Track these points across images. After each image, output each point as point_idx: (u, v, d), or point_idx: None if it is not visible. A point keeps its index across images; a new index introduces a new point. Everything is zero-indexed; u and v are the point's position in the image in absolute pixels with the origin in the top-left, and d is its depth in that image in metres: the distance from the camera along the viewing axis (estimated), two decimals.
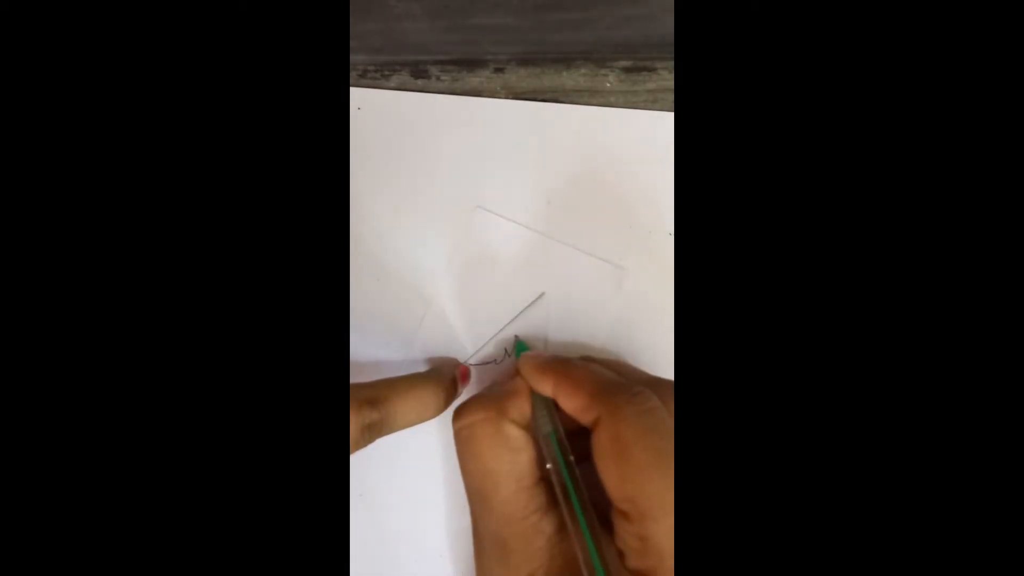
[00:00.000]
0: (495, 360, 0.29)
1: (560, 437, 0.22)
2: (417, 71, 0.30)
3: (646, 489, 0.18)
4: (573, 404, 0.21)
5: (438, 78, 0.30)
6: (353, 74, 0.30)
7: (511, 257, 0.29)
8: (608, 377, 0.22)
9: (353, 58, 0.29)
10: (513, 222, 0.29)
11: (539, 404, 0.23)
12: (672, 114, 0.28)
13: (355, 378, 0.23)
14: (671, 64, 0.28)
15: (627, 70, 0.29)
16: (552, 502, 0.22)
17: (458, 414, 0.23)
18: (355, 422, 0.21)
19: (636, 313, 0.28)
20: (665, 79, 0.29)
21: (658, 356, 0.28)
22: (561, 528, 0.22)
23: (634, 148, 0.28)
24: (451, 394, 0.26)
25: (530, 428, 0.23)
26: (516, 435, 0.22)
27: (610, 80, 0.29)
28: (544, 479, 0.22)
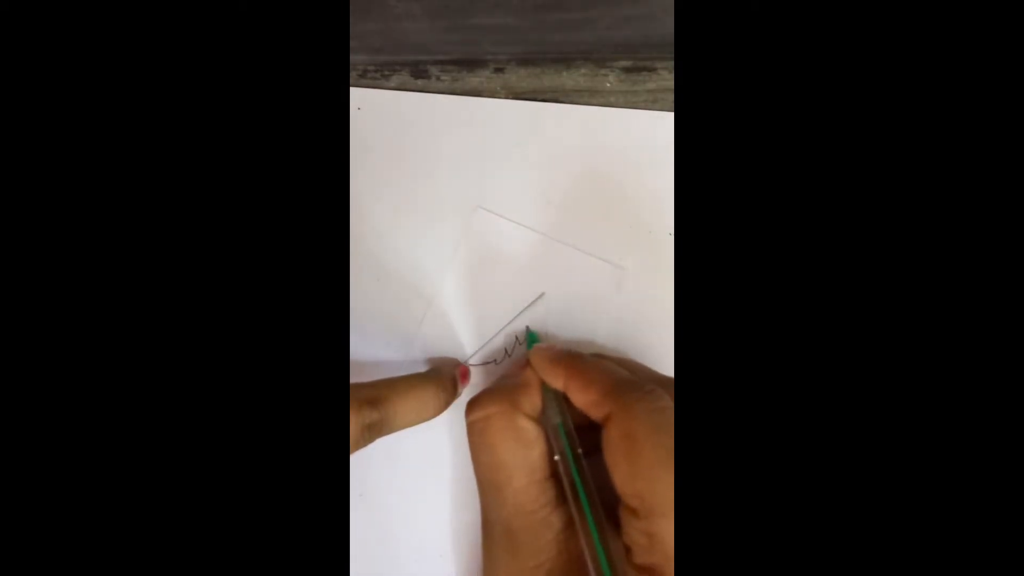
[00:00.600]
0: (495, 360, 0.29)
1: (569, 429, 0.22)
2: (417, 71, 0.30)
3: (656, 486, 0.18)
4: (584, 399, 0.22)
5: (438, 78, 0.30)
6: (353, 74, 0.30)
7: (511, 257, 0.29)
8: (621, 374, 0.22)
9: (353, 58, 0.29)
10: (513, 222, 0.29)
11: (549, 396, 0.23)
12: (672, 114, 0.28)
13: (355, 378, 0.23)
14: (671, 64, 0.28)
15: (627, 70, 0.29)
16: (562, 498, 0.22)
17: (472, 406, 0.23)
18: (355, 422, 0.21)
19: (636, 313, 0.28)
20: (665, 79, 0.29)
21: (658, 356, 0.28)
22: (569, 524, 0.22)
23: (634, 148, 0.28)
24: (451, 394, 0.26)
25: (541, 421, 0.23)
26: (529, 429, 0.23)
27: (610, 80, 0.29)
28: (555, 475, 0.23)
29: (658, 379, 0.23)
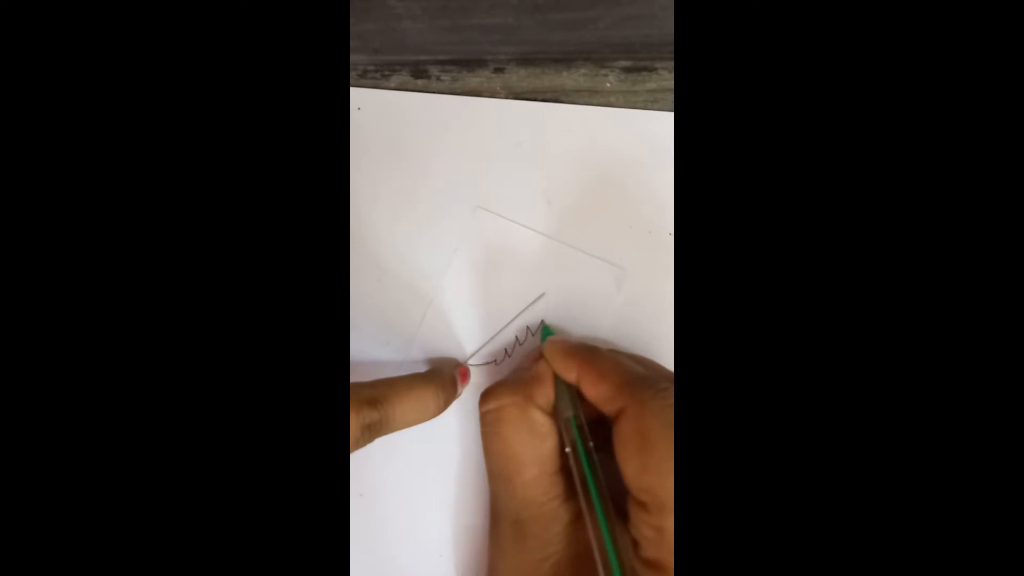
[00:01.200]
0: (495, 360, 0.29)
1: (581, 423, 0.22)
2: (417, 71, 0.30)
3: (666, 481, 0.19)
4: (597, 393, 0.22)
5: (438, 78, 0.30)
6: (353, 74, 0.30)
7: (511, 257, 0.29)
8: (634, 370, 0.22)
9: (353, 58, 0.29)
10: (513, 222, 0.29)
11: (561, 389, 0.23)
12: (672, 114, 0.28)
13: (355, 378, 0.23)
14: (671, 64, 0.28)
15: (627, 70, 0.29)
16: (572, 491, 0.22)
17: (485, 397, 0.24)
18: (355, 422, 0.21)
19: (636, 313, 0.28)
20: (665, 79, 0.29)
21: (658, 356, 0.28)
22: (578, 518, 0.22)
23: (634, 148, 0.28)
24: (451, 394, 0.26)
25: (554, 414, 0.23)
26: (542, 421, 0.23)
27: (610, 80, 0.29)
28: (565, 469, 0.23)
29: (670, 377, 0.23)
